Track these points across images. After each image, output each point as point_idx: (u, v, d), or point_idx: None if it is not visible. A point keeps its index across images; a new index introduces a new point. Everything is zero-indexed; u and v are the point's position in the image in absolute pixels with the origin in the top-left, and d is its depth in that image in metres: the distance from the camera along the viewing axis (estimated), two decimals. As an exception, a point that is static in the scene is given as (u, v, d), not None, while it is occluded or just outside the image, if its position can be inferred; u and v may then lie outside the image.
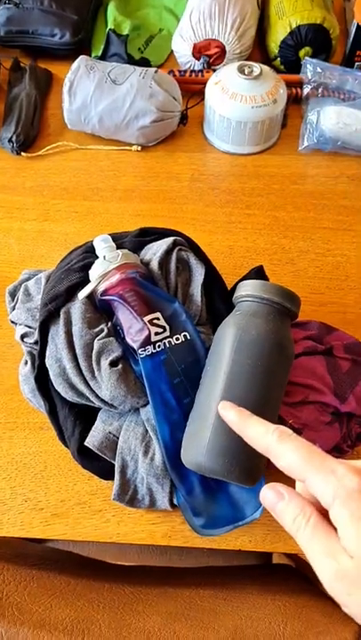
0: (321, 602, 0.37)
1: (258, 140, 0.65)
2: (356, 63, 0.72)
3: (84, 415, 0.43)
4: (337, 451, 0.43)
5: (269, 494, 0.26)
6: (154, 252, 0.45)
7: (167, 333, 0.41)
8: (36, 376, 0.43)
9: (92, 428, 0.42)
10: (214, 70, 0.68)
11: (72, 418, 0.43)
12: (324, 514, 0.24)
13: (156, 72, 0.64)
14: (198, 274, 0.45)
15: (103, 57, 0.72)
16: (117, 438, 0.42)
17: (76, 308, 0.42)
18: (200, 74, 0.70)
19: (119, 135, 0.66)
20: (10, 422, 0.48)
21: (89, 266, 0.44)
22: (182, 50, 0.71)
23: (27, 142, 0.65)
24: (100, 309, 0.43)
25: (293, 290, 0.40)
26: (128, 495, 0.41)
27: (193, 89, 0.69)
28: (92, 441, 0.41)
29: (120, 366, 0.40)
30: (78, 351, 0.41)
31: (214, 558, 0.59)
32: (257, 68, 0.63)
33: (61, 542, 0.61)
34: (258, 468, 0.36)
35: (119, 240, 0.46)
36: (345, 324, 0.49)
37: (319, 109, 0.66)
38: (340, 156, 0.66)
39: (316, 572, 0.24)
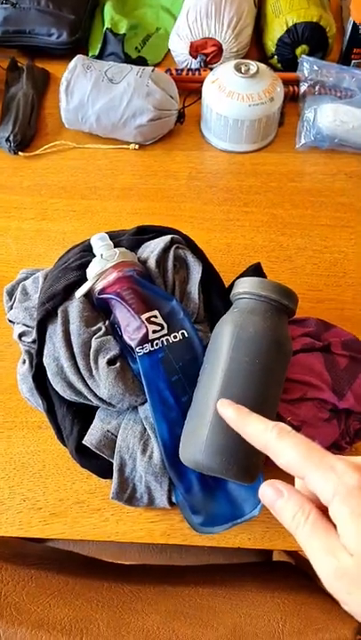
0: (320, 599, 0.37)
1: (255, 137, 0.65)
2: (353, 61, 0.72)
3: (83, 414, 0.43)
4: (335, 447, 0.43)
5: (268, 491, 0.26)
6: (151, 250, 0.45)
7: (165, 331, 0.41)
8: (34, 375, 0.43)
9: (91, 427, 0.42)
10: (211, 69, 0.68)
11: (70, 416, 0.42)
12: (323, 511, 0.24)
13: (153, 71, 0.64)
14: (196, 271, 0.45)
15: (100, 56, 0.72)
16: (116, 437, 0.41)
17: (74, 307, 0.42)
18: (197, 72, 0.70)
19: (117, 134, 0.65)
20: (8, 421, 0.48)
21: (86, 264, 0.44)
22: (179, 48, 0.71)
23: (24, 142, 0.65)
24: (98, 308, 0.43)
25: (291, 287, 0.40)
26: (127, 494, 0.41)
27: (190, 87, 0.69)
28: (90, 439, 0.41)
29: (118, 364, 0.40)
30: (76, 350, 0.41)
31: (215, 556, 0.59)
32: (254, 66, 0.62)
33: (61, 542, 0.60)
34: (256, 466, 0.36)
35: (116, 238, 0.46)
36: (343, 321, 0.48)
37: (316, 107, 0.66)
38: (337, 154, 0.66)
39: (315, 569, 0.24)
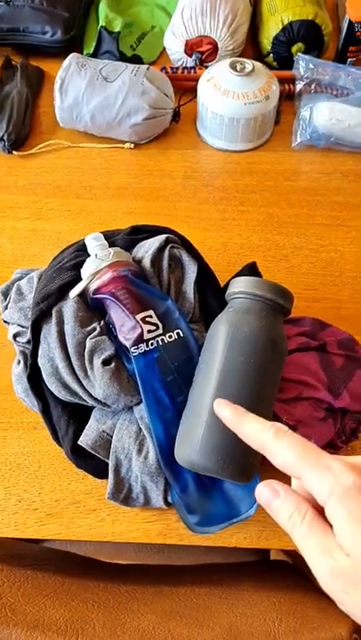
0: (316, 598, 0.37)
1: (251, 136, 0.65)
2: (349, 59, 0.72)
3: (78, 414, 0.43)
4: (331, 446, 0.43)
5: (265, 491, 0.26)
6: (146, 249, 0.44)
7: (160, 331, 0.41)
8: (29, 375, 0.43)
9: (86, 427, 0.42)
10: (207, 67, 0.67)
11: (65, 417, 0.42)
12: (319, 511, 0.24)
13: (147, 69, 0.63)
14: (191, 271, 0.44)
15: (95, 54, 0.72)
16: (111, 437, 0.41)
17: (68, 307, 0.42)
18: (192, 71, 0.70)
19: (111, 133, 0.65)
20: (3, 422, 0.48)
21: (81, 264, 0.43)
22: (174, 47, 0.71)
23: (18, 141, 0.65)
24: (93, 308, 0.43)
25: (287, 286, 0.40)
26: (122, 494, 0.41)
27: (185, 86, 0.69)
28: (85, 440, 0.41)
29: (113, 365, 0.40)
30: (71, 350, 0.41)
31: (212, 556, 0.59)
32: (249, 64, 0.62)
33: (58, 542, 0.60)
34: (252, 466, 0.36)
35: (111, 238, 0.46)
36: (339, 320, 0.48)
37: (312, 105, 0.66)
38: (333, 152, 0.66)
39: (311, 569, 0.24)
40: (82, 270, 0.43)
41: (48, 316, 0.42)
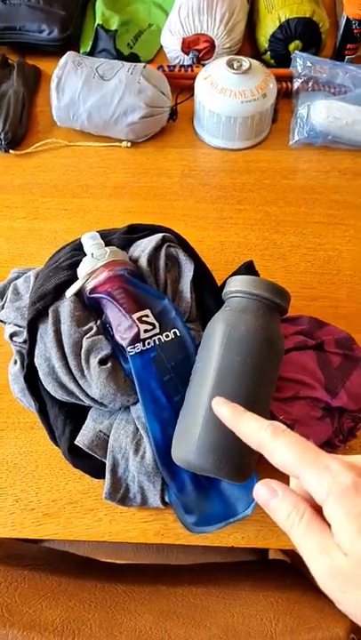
0: (314, 597, 0.37)
1: (248, 134, 0.65)
2: (347, 57, 0.72)
3: (75, 414, 0.42)
4: (329, 445, 0.42)
5: (263, 491, 0.26)
6: (142, 248, 0.44)
7: (157, 330, 0.41)
8: (26, 375, 0.43)
9: (83, 427, 0.42)
10: (204, 65, 0.67)
11: (62, 417, 0.42)
12: (318, 510, 0.24)
13: (144, 67, 0.63)
14: (188, 270, 0.44)
15: (92, 53, 0.72)
16: (108, 437, 0.41)
17: (65, 307, 0.42)
18: (189, 69, 0.69)
19: (108, 131, 0.65)
20: (0, 422, 0.48)
21: (77, 264, 0.43)
22: (171, 45, 0.71)
23: (15, 140, 0.65)
24: (89, 307, 0.43)
25: (285, 285, 0.40)
26: (120, 494, 0.41)
27: (183, 84, 0.69)
28: (82, 440, 0.41)
29: (109, 364, 0.40)
30: (67, 350, 0.40)
31: (211, 555, 0.58)
32: (246, 62, 0.62)
33: (57, 542, 0.60)
34: (248, 465, 0.36)
35: (107, 237, 0.46)
36: (337, 319, 0.48)
37: (309, 103, 0.65)
38: (330, 151, 0.66)
39: (309, 569, 0.24)
40: (78, 270, 0.43)
41: (44, 315, 0.42)
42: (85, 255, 0.43)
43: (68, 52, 0.64)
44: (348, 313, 0.54)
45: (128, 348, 0.39)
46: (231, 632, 0.33)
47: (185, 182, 0.63)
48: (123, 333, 0.40)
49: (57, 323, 0.41)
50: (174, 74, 0.69)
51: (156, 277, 0.44)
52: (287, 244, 0.59)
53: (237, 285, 0.40)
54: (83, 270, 0.42)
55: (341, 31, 0.70)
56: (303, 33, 0.68)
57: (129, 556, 0.60)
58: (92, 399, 0.41)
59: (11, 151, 0.65)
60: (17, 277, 0.48)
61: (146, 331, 0.40)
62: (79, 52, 0.71)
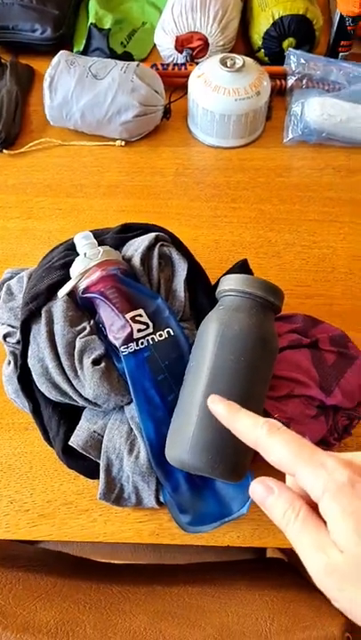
0: (310, 596, 0.37)
1: (242, 132, 0.65)
2: (341, 53, 0.72)
3: (69, 414, 0.42)
4: (324, 444, 0.42)
5: (259, 488, 0.26)
6: (135, 248, 0.44)
7: (150, 330, 0.40)
8: (19, 376, 0.42)
9: (77, 428, 0.42)
10: (197, 63, 0.67)
11: (56, 417, 0.42)
12: (314, 507, 0.24)
13: (137, 66, 0.63)
14: (181, 269, 0.44)
15: (85, 52, 0.71)
16: (102, 437, 0.41)
17: (58, 307, 0.42)
18: (183, 67, 0.69)
19: (102, 131, 0.65)
20: (-5, 423, 0.48)
21: (70, 263, 0.43)
22: (165, 43, 0.70)
23: (8, 139, 0.65)
24: (82, 307, 0.43)
25: (280, 283, 0.40)
26: (114, 494, 0.41)
27: (176, 82, 0.68)
28: (76, 440, 0.41)
29: (103, 364, 0.40)
30: (60, 350, 0.40)
31: (208, 554, 0.58)
32: (239, 60, 0.62)
33: (53, 542, 0.60)
34: (242, 465, 0.36)
35: (101, 237, 0.45)
36: (332, 317, 0.48)
37: (303, 101, 0.65)
38: (325, 148, 0.66)
39: (306, 566, 0.24)
40: (71, 270, 0.43)
41: (37, 316, 0.42)
42: (78, 255, 0.43)
43: (61, 52, 0.64)
44: (342, 310, 0.54)
45: (121, 348, 0.39)
46: (226, 632, 0.33)
47: (179, 181, 0.63)
48: (116, 333, 0.40)
49: (50, 323, 0.41)
50: (168, 72, 0.69)
51: (150, 277, 0.44)
52: (282, 242, 0.58)
53: (231, 284, 0.39)
54: (75, 270, 0.42)
55: (335, 28, 0.69)
56: (297, 30, 0.68)
57: (126, 556, 0.59)
58: (86, 399, 0.40)
59: (4, 151, 0.64)
60: (10, 278, 0.48)
61: (139, 330, 0.40)
62: (72, 52, 0.71)
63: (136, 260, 0.43)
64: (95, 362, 0.40)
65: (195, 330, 0.43)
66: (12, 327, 0.45)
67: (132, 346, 0.39)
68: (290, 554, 0.59)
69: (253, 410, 0.29)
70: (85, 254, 0.42)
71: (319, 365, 0.43)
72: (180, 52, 0.70)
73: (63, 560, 0.50)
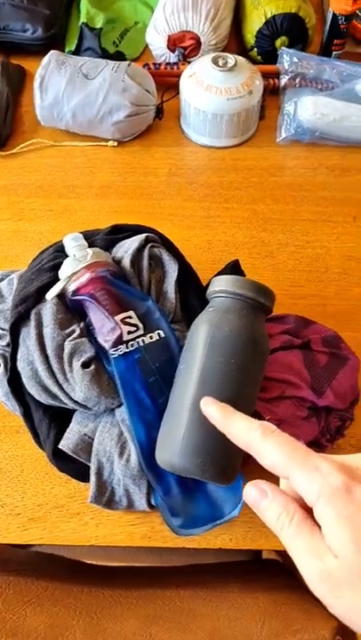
0: (301, 598, 0.37)
1: (235, 132, 0.64)
2: (334, 52, 0.71)
3: (59, 417, 0.42)
4: (316, 445, 0.42)
5: (252, 492, 0.25)
6: (125, 249, 0.44)
7: (141, 332, 0.40)
8: (9, 379, 0.42)
9: (67, 430, 0.41)
10: (189, 62, 0.67)
11: (47, 420, 0.42)
12: (308, 511, 0.24)
13: (129, 66, 0.62)
14: (172, 270, 0.44)
15: (77, 51, 0.71)
16: (93, 440, 0.41)
17: (47, 309, 0.41)
18: (175, 66, 0.69)
19: (94, 131, 0.64)
20: (-14, 426, 0.47)
21: (60, 265, 0.43)
22: (157, 42, 0.70)
23: (0, 140, 0.64)
24: (72, 309, 0.42)
25: (273, 283, 0.39)
26: (105, 497, 0.40)
27: (169, 82, 0.68)
28: (66, 443, 0.41)
29: (93, 367, 0.40)
30: (50, 353, 0.40)
31: (205, 556, 0.58)
32: (231, 59, 0.61)
33: (46, 546, 0.60)
34: (233, 467, 0.36)
35: (91, 238, 0.45)
36: (325, 317, 0.48)
37: (297, 100, 0.65)
38: (318, 147, 0.65)
39: (300, 571, 0.23)
40: (60, 272, 0.42)
41: (27, 318, 0.41)
42: (67, 257, 0.43)
43: (52, 52, 0.64)
44: (336, 311, 0.54)
45: (111, 351, 0.39)
46: (217, 636, 0.33)
47: (172, 181, 0.63)
48: (105, 335, 0.39)
49: (39, 326, 0.41)
50: (160, 72, 0.69)
51: (140, 278, 0.43)
52: (275, 242, 0.58)
53: (221, 285, 0.39)
54: (64, 272, 0.42)
55: (328, 27, 0.69)
56: (289, 29, 0.68)
57: (121, 558, 0.59)
58: (76, 402, 0.40)
59: (-5, 152, 0.64)
60: (0, 280, 0.48)
61: (129, 332, 0.40)
62: (64, 51, 0.71)
63: (126, 262, 0.43)
64: (85, 364, 0.40)
65: (186, 331, 0.43)
66: (2, 330, 0.44)
67: (122, 348, 0.39)
68: (284, 555, 0.59)
69: (244, 412, 0.29)
70: (74, 256, 0.42)
71: (311, 366, 0.42)
72: (173, 52, 0.70)
73: (56, 563, 0.50)
